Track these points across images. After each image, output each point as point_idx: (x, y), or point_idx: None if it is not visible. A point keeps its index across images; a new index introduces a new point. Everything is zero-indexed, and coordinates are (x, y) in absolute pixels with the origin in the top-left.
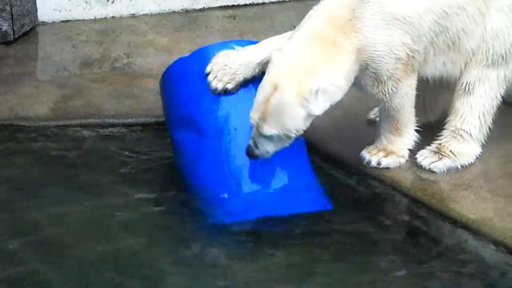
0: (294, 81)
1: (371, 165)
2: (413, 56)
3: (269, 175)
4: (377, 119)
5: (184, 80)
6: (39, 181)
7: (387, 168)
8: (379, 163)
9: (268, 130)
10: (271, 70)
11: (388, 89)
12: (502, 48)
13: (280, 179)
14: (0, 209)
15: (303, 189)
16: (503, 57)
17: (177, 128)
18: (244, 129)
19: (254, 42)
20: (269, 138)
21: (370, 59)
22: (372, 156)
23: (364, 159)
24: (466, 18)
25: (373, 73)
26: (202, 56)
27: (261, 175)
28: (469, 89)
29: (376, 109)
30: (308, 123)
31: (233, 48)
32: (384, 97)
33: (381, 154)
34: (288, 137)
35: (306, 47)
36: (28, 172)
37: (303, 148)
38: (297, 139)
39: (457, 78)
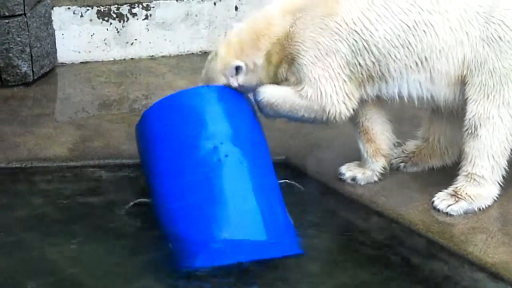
0: (226, 55)
1: None
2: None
3: (244, 221)
4: (401, 164)
5: (159, 127)
6: (56, 222)
7: None
8: None
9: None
10: (222, 41)
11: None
12: (490, 81)
13: (254, 225)
14: (17, 249)
15: (277, 234)
16: (497, 91)
17: (154, 173)
18: (221, 173)
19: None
20: None
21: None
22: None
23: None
24: (435, 37)
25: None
26: (175, 102)
27: (236, 221)
28: (474, 131)
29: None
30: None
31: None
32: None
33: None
34: None
35: (246, 30)
36: (45, 213)
37: (278, 192)
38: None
39: (463, 114)
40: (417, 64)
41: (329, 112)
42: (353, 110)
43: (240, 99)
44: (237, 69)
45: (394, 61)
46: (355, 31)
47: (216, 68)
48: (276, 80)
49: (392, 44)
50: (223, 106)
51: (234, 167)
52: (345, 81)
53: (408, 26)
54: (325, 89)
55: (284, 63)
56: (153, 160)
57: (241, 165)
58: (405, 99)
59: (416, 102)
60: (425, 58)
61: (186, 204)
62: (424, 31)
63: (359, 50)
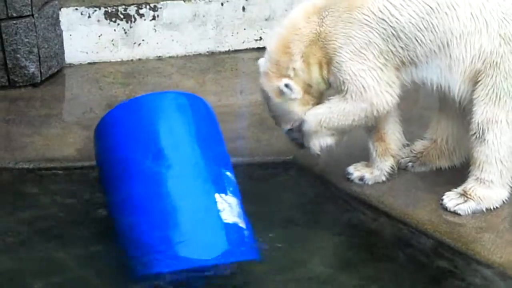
0: (269, 82)
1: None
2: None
3: (200, 225)
4: (409, 164)
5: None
6: (64, 222)
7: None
8: None
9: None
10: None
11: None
12: (504, 84)
13: (210, 229)
14: (25, 250)
15: (236, 240)
16: (509, 96)
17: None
18: (178, 178)
19: (192, 95)
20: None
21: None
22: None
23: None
24: (456, 20)
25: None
26: (136, 107)
27: (192, 225)
28: (481, 135)
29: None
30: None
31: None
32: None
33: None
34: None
35: (274, 47)
36: (53, 213)
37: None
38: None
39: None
40: (440, 48)
41: (376, 104)
42: (398, 96)
43: (198, 105)
44: (287, 86)
45: (420, 45)
46: (383, 19)
47: (275, 99)
48: (326, 86)
49: (417, 27)
50: (178, 114)
51: (187, 174)
52: (382, 70)
53: (431, 8)
54: (367, 82)
55: (324, 64)
56: (107, 167)
57: (194, 171)
58: (428, 86)
59: (435, 91)
60: (446, 42)
61: (140, 211)
62: (446, 13)
63: (389, 37)
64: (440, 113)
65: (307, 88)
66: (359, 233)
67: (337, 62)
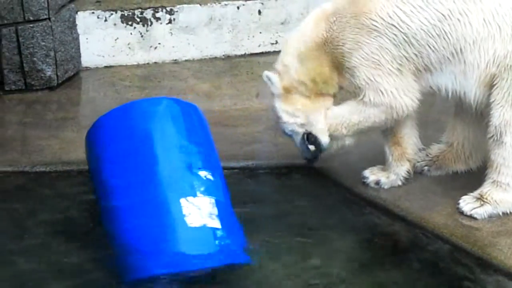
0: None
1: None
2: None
3: (166, 233)
4: (425, 168)
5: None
6: (80, 225)
7: None
8: None
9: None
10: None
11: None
12: None
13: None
14: (42, 252)
15: (204, 244)
16: None
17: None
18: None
19: (180, 100)
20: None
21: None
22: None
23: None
24: (469, 27)
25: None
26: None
27: (158, 234)
28: (498, 138)
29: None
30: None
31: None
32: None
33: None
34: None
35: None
36: (69, 216)
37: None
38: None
39: (487, 120)
40: (453, 55)
41: (396, 107)
42: (418, 100)
43: (172, 109)
44: (268, 77)
45: (434, 52)
46: (392, 25)
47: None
48: (328, 87)
49: (429, 34)
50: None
51: (149, 182)
52: (397, 75)
53: (443, 15)
54: (384, 87)
55: (333, 68)
56: (100, 172)
57: (155, 178)
58: (443, 92)
59: (450, 97)
60: (460, 49)
61: (115, 220)
62: (458, 19)
63: (401, 43)
64: (456, 116)
65: (298, 86)
66: (375, 237)
67: (348, 68)
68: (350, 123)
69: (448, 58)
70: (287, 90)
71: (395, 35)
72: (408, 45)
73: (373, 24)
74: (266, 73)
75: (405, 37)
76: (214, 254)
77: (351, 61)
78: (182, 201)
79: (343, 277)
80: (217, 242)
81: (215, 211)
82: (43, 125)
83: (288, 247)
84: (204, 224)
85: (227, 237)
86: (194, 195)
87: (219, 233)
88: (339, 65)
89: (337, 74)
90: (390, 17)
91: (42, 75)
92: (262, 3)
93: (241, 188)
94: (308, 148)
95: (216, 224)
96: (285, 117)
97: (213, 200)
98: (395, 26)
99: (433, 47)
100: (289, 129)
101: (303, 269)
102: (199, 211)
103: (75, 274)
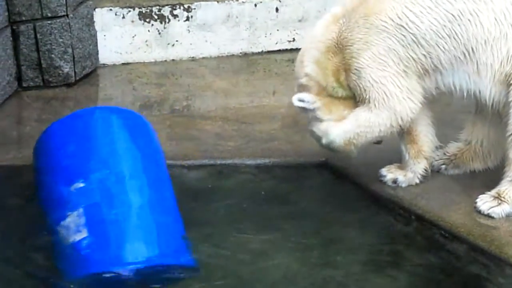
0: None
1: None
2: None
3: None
4: (442, 166)
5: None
6: None
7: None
8: None
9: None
10: None
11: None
12: None
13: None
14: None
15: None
16: None
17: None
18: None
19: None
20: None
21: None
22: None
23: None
24: (480, 27)
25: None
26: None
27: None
28: None
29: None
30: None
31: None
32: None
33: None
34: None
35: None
36: None
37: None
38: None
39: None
40: (464, 55)
41: (400, 111)
42: (421, 104)
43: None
44: (300, 100)
45: (444, 52)
46: (401, 25)
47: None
48: (344, 92)
49: (439, 35)
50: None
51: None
52: (403, 77)
53: (453, 16)
54: (389, 89)
55: (342, 70)
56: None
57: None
58: (457, 92)
59: (465, 96)
60: (472, 49)
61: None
62: (469, 20)
63: (409, 44)
64: (475, 115)
65: (328, 90)
66: (392, 235)
67: (355, 69)
68: (358, 139)
69: (459, 58)
70: (321, 96)
71: (403, 35)
72: (417, 45)
73: (382, 25)
74: (297, 96)
75: (414, 38)
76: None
77: (359, 62)
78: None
79: (358, 274)
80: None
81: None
82: None
83: (304, 245)
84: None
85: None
86: (64, 219)
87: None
88: (348, 66)
89: (345, 75)
90: (399, 17)
91: (60, 72)
92: (280, 1)
93: (257, 185)
94: None
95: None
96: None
97: (80, 212)
98: (403, 27)
99: (443, 47)
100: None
101: (318, 267)
102: (67, 232)
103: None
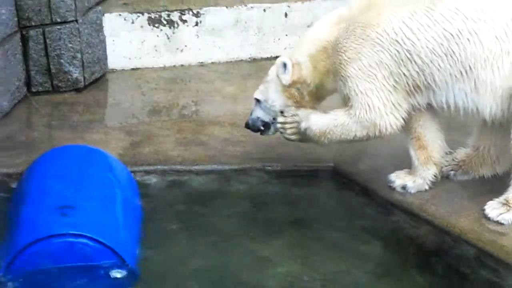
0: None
1: None
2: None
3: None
4: (451, 172)
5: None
6: None
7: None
8: None
9: (256, 94)
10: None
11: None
12: None
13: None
14: None
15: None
16: None
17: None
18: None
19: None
20: (258, 103)
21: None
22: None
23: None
24: (480, 46)
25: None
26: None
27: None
28: None
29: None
30: (281, 99)
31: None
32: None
33: None
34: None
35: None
36: None
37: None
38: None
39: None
40: (461, 73)
41: (379, 125)
42: (403, 119)
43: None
44: (284, 66)
45: (439, 70)
46: (397, 41)
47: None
48: (322, 91)
49: (434, 53)
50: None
51: None
52: (390, 92)
53: (452, 35)
54: (372, 102)
55: (330, 73)
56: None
57: None
58: (452, 109)
59: (461, 113)
60: (470, 67)
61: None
62: (468, 39)
63: (402, 60)
64: (483, 121)
65: (305, 87)
66: (401, 241)
67: (342, 76)
68: (333, 135)
69: (455, 76)
70: (291, 84)
71: (397, 51)
72: (411, 62)
73: (378, 38)
74: (285, 59)
75: (408, 54)
76: None
77: (347, 70)
78: None
79: (367, 280)
80: None
81: None
82: (70, 126)
83: (313, 250)
84: None
85: None
86: None
87: None
88: (336, 72)
89: (333, 78)
90: (395, 32)
91: (69, 77)
92: (289, 6)
93: (265, 191)
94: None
95: None
96: (275, 101)
97: None
98: (398, 42)
99: (438, 65)
100: (270, 109)
101: (328, 272)
102: None
103: None
